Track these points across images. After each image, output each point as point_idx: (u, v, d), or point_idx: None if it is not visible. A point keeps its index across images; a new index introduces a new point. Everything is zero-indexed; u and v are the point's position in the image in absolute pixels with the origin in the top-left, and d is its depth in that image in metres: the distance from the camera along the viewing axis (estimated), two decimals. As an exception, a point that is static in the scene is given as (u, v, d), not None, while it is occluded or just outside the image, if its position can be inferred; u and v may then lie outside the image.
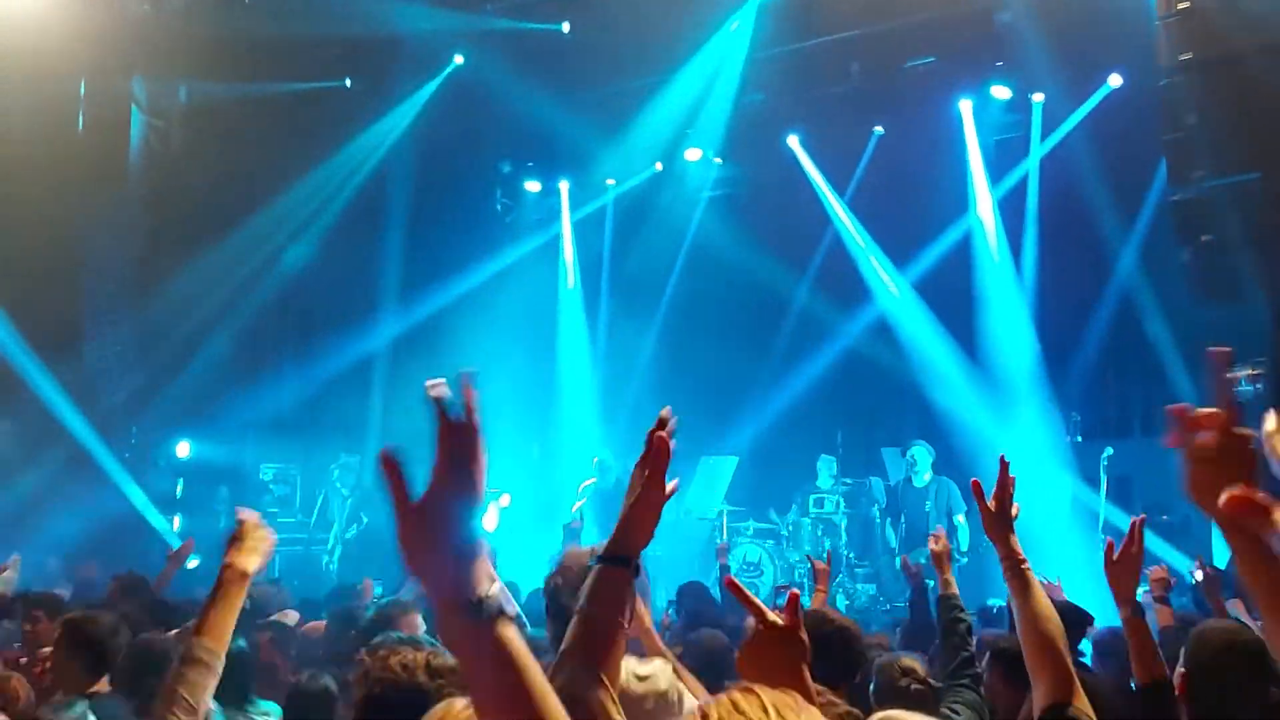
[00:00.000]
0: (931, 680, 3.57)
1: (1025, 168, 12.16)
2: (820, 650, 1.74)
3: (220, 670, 2.94)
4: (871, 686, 3.56)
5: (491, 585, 1.30)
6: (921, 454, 10.75)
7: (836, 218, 13.34)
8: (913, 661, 3.62)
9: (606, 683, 1.65)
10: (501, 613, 1.29)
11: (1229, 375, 1.71)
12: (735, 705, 1.30)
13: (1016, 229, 12.34)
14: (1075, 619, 4.97)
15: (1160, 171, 10.43)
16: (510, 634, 1.29)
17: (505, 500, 12.58)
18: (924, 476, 10.70)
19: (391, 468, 1.31)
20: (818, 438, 12.72)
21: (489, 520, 12.85)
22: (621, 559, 1.77)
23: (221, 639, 2.94)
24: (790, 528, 11.98)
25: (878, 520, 11.68)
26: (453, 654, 1.40)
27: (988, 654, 4.09)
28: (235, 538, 3.06)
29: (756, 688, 1.34)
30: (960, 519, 10.48)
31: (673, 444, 1.84)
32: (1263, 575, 1.71)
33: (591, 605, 1.71)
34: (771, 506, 12.40)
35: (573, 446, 13.58)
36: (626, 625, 1.73)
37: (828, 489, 11.91)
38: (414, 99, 12.25)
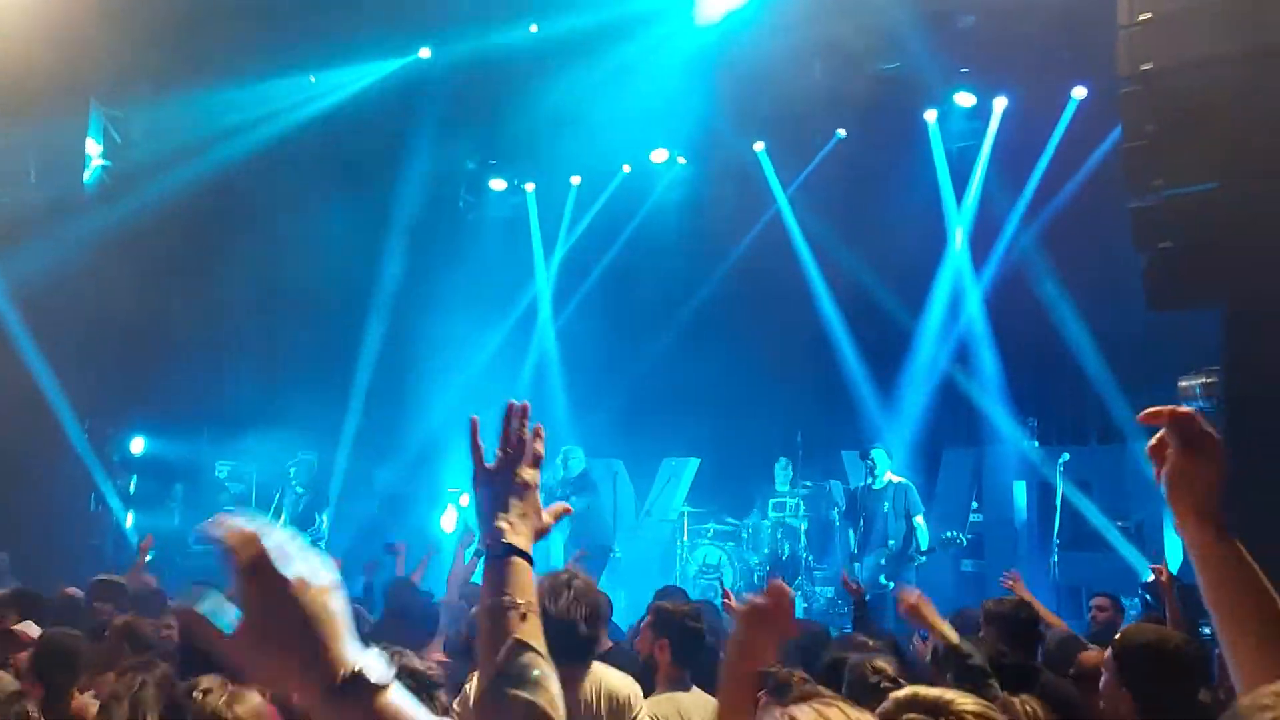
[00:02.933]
0: (901, 680, 3.59)
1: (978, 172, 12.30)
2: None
3: None
4: (844, 685, 3.57)
5: (356, 657, 1.22)
6: (881, 457, 10.79)
7: (792, 222, 13.43)
8: (884, 662, 3.65)
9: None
10: (377, 683, 1.22)
11: (1179, 401, 1.78)
12: (820, 712, 1.41)
13: (977, 232, 12.47)
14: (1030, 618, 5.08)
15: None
16: (394, 700, 1.22)
17: (465, 500, 12.53)
18: (883, 479, 10.74)
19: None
20: (778, 440, 12.78)
21: (447, 520, 12.80)
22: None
23: None
24: (749, 530, 12.01)
25: (837, 523, 11.73)
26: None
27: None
28: None
29: (835, 701, 1.44)
30: (919, 520, 10.54)
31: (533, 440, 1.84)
32: (1224, 586, 1.70)
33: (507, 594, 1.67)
34: (728, 510, 12.43)
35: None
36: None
37: (787, 492, 11.94)
38: (372, 67, 12.07)
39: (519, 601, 1.63)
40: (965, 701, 1.78)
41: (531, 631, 1.62)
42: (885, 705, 1.91)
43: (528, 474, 1.79)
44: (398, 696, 1.23)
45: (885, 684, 3.46)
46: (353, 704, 1.20)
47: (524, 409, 1.83)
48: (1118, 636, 3.58)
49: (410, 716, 1.23)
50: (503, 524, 1.72)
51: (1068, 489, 10.56)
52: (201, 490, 12.45)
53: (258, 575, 1.21)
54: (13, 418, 9.87)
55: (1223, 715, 1.36)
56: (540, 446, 1.82)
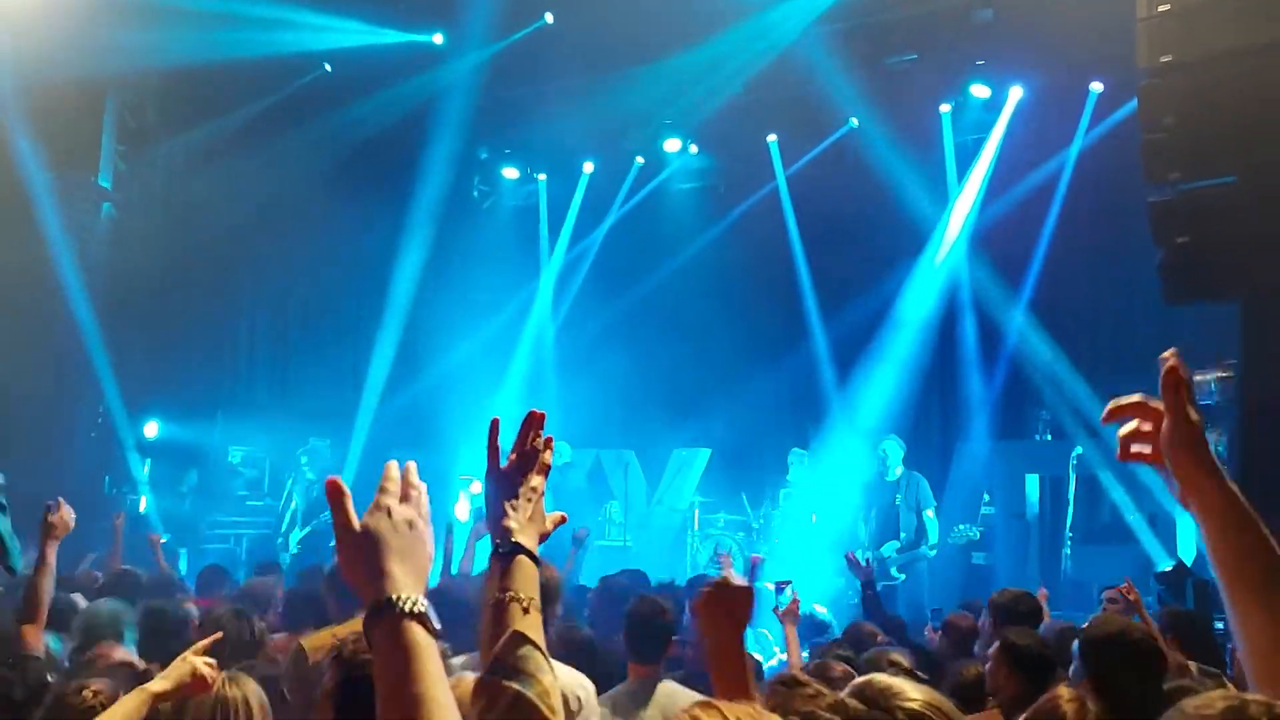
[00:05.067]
0: (918, 673, 3.58)
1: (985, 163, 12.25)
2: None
3: None
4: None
5: (410, 593, 1.47)
6: (893, 448, 10.78)
7: (791, 214, 13.45)
8: (899, 655, 3.66)
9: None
10: (408, 614, 1.44)
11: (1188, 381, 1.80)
12: None
13: (988, 223, 12.40)
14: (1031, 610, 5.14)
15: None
16: (412, 631, 1.44)
17: (476, 488, 12.56)
18: (895, 471, 10.73)
19: (335, 496, 1.53)
20: (789, 432, 12.78)
21: (460, 509, 12.83)
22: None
23: None
24: (760, 520, 12.02)
25: (848, 515, 11.72)
26: (370, 648, 1.49)
27: (996, 644, 4.14)
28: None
29: (717, 703, 1.42)
30: (930, 514, 10.53)
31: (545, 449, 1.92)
32: (1227, 548, 1.73)
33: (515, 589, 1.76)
34: (738, 500, 12.43)
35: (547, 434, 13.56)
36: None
37: (799, 483, 11.94)
38: (384, 34, 11.86)
39: (523, 596, 1.73)
40: (913, 694, 1.82)
41: (532, 625, 1.71)
42: (845, 691, 1.96)
43: (536, 480, 1.88)
44: (420, 630, 1.45)
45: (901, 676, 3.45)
46: (380, 621, 1.45)
47: (541, 419, 1.92)
48: (1083, 628, 3.65)
49: (425, 648, 1.44)
50: (512, 524, 1.82)
51: (1080, 482, 10.55)
52: (215, 475, 12.50)
53: (334, 514, 1.54)
54: (35, 398, 9.92)
55: (1164, 715, 1.37)
56: (549, 457, 1.91)
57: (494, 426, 1.93)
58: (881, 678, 1.97)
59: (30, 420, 9.87)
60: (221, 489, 12.45)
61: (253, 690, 3.16)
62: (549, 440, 1.92)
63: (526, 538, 1.80)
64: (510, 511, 1.83)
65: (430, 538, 1.58)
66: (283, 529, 11.60)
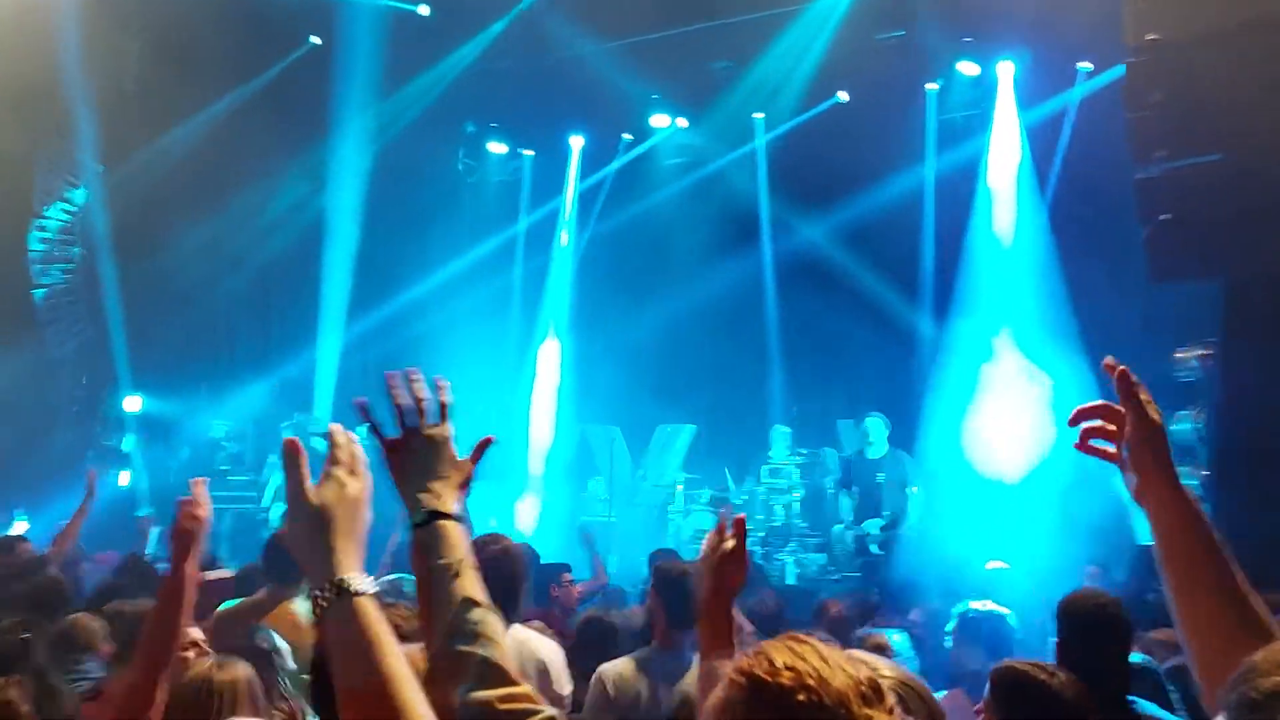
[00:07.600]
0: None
1: (983, 140, 12.20)
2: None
3: None
4: None
5: (356, 571, 1.48)
6: (876, 426, 10.78)
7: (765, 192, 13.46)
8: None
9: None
10: (358, 593, 1.45)
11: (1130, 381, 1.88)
12: (794, 650, 1.37)
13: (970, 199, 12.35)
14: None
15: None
16: (366, 609, 1.44)
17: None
18: (879, 448, 10.75)
19: (292, 458, 1.52)
20: (774, 408, 12.78)
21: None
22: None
23: None
24: (744, 497, 12.05)
25: (830, 491, 11.76)
26: (322, 629, 1.49)
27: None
28: None
29: (808, 638, 1.41)
30: (913, 489, 10.56)
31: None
32: (1177, 547, 1.82)
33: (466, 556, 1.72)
34: (722, 477, 12.44)
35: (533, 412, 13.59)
36: None
37: (782, 460, 11.97)
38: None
39: (451, 561, 1.69)
40: (886, 670, 1.85)
41: (470, 586, 1.68)
42: None
43: (434, 431, 1.81)
44: (373, 607, 1.45)
45: None
46: (331, 602, 1.45)
47: (407, 374, 1.85)
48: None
49: (380, 623, 1.44)
50: (421, 494, 1.75)
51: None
52: (198, 449, 12.45)
53: (289, 479, 1.52)
54: (14, 373, 9.86)
55: (1238, 671, 1.38)
56: (446, 395, 1.84)
57: (363, 409, 1.87)
58: (856, 653, 1.98)
59: (9, 395, 9.81)
60: (204, 462, 12.40)
61: (243, 674, 3.13)
62: (438, 380, 1.86)
63: (440, 500, 1.74)
64: (418, 480, 1.76)
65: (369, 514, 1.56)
66: (265, 504, 11.57)
